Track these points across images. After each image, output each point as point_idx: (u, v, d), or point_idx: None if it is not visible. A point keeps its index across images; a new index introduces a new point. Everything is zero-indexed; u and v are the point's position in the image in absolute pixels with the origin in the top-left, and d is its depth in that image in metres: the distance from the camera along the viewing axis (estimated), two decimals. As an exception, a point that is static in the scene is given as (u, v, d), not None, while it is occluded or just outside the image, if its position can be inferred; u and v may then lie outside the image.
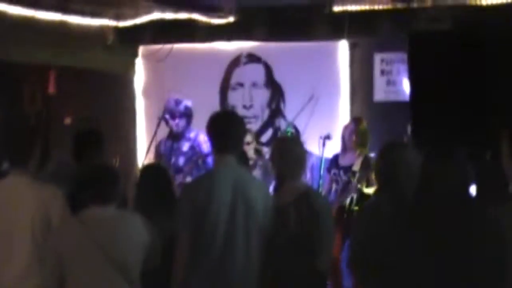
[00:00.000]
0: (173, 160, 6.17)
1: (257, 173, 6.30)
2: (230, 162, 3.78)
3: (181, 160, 6.16)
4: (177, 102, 6.19)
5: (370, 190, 5.74)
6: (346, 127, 6.24)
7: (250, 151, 6.42)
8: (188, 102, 6.22)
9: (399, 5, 6.34)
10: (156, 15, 6.90)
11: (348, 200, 5.96)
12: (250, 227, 3.72)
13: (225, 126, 3.80)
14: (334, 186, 6.14)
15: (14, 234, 3.71)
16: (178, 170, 6.07)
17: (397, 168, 3.46)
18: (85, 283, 3.54)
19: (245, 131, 3.97)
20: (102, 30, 7.04)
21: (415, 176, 3.21)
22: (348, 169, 6.04)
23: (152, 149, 6.45)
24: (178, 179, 5.92)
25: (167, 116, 6.21)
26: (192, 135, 6.18)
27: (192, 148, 6.16)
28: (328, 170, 6.19)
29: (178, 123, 6.15)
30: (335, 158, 6.21)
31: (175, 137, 6.24)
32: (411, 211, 3.13)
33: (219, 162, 3.83)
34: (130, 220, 3.66)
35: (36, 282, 3.68)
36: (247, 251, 3.72)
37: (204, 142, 5.92)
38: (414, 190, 3.18)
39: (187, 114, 6.17)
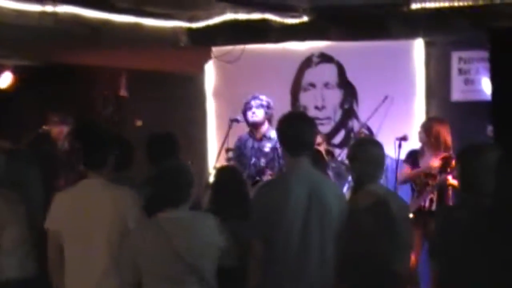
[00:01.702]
0: (253, 160, 6.17)
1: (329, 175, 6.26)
2: (304, 164, 3.76)
3: (263, 161, 6.15)
4: (255, 96, 6.24)
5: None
6: (420, 131, 6.17)
7: (321, 152, 6.38)
8: (266, 97, 6.24)
9: (480, 1, 6.19)
10: (229, 16, 6.94)
11: (427, 202, 5.90)
12: (325, 232, 3.70)
13: (296, 128, 3.77)
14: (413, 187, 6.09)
15: (92, 237, 3.80)
16: (261, 170, 6.08)
17: (477, 172, 3.36)
18: (160, 284, 3.60)
19: (316, 133, 3.94)
20: (175, 31, 7.12)
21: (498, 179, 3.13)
22: (428, 172, 5.98)
23: (223, 152, 6.43)
24: (262, 179, 5.92)
25: (239, 118, 6.23)
26: (273, 135, 6.12)
27: (274, 149, 6.12)
28: (408, 164, 6.12)
29: (255, 113, 6.16)
30: (412, 155, 6.13)
31: (255, 135, 6.24)
32: (488, 219, 3.04)
33: (293, 165, 3.80)
34: (203, 221, 3.70)
35: (113, 284, 3.75)
36: (322, 256, 3.70)
37: None
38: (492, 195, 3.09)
39: (265, 106, 6.19)
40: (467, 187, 3.45)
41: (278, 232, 3.65)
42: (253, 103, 6.21)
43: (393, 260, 3.92)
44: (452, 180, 5.76)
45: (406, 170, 6.11)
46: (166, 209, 3.64)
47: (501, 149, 3.39)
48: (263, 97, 6.24)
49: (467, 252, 3.06)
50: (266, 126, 6.24)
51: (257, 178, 5.87)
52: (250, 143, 6.27)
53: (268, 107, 6.21)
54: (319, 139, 6.51)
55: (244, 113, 6.26)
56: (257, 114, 6.19)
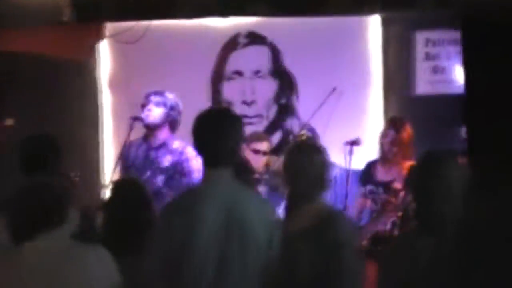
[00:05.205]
0: (147, 174, 6.06)
1: (261, 190, 6.25)
2: (222, 177, 3.77)
3: (160, 179, 6.03)
4: (157, 92, 6.14)
5: None
6: (384, 135, 6.19)
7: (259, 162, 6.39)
8: (172, 95, 6.14)
9: (451, -33, 6.30)
10: (127, -17, 6.89)
11: (388, 226, 5.92)
12: (249, 267, 3.69)
13: (213, 130, 3.78)
14: (368, 206, 6.12)
15: None
16: (155, 193, 5.89)
17: (436, 189, 3.40)
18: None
19: (242, 135, 3.94)
20: (56, 3, 7.00)
21: (463, 201, 3.16)
22: (388, 186, 6.00)
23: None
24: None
25: (142, 115, 6.14)
26: (176, 145, 6.05)
27: (176, 164, 5.99)
28: (362, 184, 6.17)
29: (151, 110, 6.05)
30: (370, 168, 6.16)
31: (150, 141, 6.14)
32: (455, 249, 3.07)
33: (207, 178, 3.81)
34: (89, 253, 3.65)
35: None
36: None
37: (194, 157, 5.78)
38: (459, 222, 3.11)
39: (168, 106, 6.08)
40: (420, 212, 3.48)
41: (187, 271, 3.64)
42: (153, 98, 6.10)
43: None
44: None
45: (361, 202, 6.16)
46: (33, 238, 3.58)
47: (472, 157, 3.43)
48: (170, 96, 6.13)
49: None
50: (165, 132, 6.13)
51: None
52: (142, 151, 6.17)
53: (172, 108, 6.10)
54: (265, 146, 6.49)
55: (140, 116, 6.14)
56: (154, 115, 6.06)
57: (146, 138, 6.21)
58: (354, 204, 6.19)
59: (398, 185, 5.98)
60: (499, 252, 2.92)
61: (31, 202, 3.62)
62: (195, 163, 5.77)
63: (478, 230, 3.00)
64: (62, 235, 3.63)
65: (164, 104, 6.09)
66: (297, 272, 3.92)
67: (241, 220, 3.68)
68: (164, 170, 6.05)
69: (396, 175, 6.04)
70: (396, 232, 5.94)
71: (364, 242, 5.67)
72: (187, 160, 5.98)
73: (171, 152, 6.06)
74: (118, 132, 7.42)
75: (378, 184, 6.11)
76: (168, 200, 5.70)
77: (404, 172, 5.98)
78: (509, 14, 4.99)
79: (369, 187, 6.13)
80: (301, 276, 3.92)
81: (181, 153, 6.01)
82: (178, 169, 6.00)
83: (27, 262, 3.55)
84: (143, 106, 6.13)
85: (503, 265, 2.90)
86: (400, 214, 5.94)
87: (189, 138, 3.95)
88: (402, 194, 5.91)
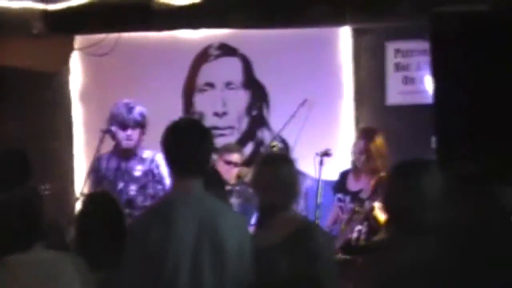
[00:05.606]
0: (120, 186, 6.04)
1: (233, 202, 6.25)
2: (194, 188, 3.75)
3: (133, 189, 6.03)
4: (129, 108, 6.07)
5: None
6: (354, 145, 6.20)
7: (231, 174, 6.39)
8: (142, 109, 6.11)
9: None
10: (97, -6, 6.84)
11: (355, 234, 5.93)
12: (220, 276, 3.67)
13: (183, 141, 3.77)
14: (339, 215, 6.14)
15: None
16: (129, 202, 5.93)
17: (412, 198, 3.41)
18: None
19: (212, 146, 3.94)
20: (25, 15, 6.96)
21: (439, 207, 3.17)
22: (356, 195, 6.03)
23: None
24: (130, 214, 5.75)
25: (113, 128, 6.10)
26: (146, 155, 6.06)
27: (148, 173, 6.02)
28: (334, 193, 6.19)
29: (131, 136, 6.03)
30: (342, 178, 6.19)
31: (123, 154, 6.11)
32: (436, 259, 3.07)
33: (178, 188, 3.79)
34: (70, 264, 3.68)
35: None
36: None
37: (165, 164, 5.77)
38: (437, 229, 3.12)
39: (142, 124, 6.07)
40: (395, 221, 3.48)
41: (161, 282, 3.61)
42: (129, 120, 6.00)
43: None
44: (378, 210, 5.78)
45: (337, 211, 6.15)
46: (14, 252, 3.59)
47: (443, 167, 3.44)
48: (141, 109, 6.09)
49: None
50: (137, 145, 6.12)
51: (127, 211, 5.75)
52: (114, 162, 6.15)
53: (144, 126, 6.07)
54: (236, 157, 6.49)
55: (111, 128, 6.07)
56: (133, 138, 6.02)
57: (116, 150, 6.18)
58: (327, 214, 6.20)
59: (365, 195, 6.01)
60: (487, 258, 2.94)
61: (9, 216, 3.62)
62: (166, 169, 5.77)
63: (456, 237, 3.02)
64: (41, 247, 3.64)
65: (140, 124, 6.06)
66: (273, 284, 3.90)
67: (212, 230, 3.66)
68: (136, 180, 6.05)
69: (364, 185, 6.07)
70: (362, 241, 5.96)
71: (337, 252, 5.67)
72: (157, 166, 6.01)
73: (142, 161, 6.08)
74: (90, 144, 7.34)
75: (347, 193, 6.12)
76: (141, 209, 5.74)
77: (373, 182, 6.01)
78: (478, 25, 5.02)
79: (338, 195, 6.15)
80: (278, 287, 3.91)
81: (152, 160, 6.04)
82: (150, 177, 6.01)
83: (10, 276, 3.54)
84: (118, 126, 6.06)
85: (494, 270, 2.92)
86: (366, 223, 5.98)
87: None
88: (367, 204, 5.93)
